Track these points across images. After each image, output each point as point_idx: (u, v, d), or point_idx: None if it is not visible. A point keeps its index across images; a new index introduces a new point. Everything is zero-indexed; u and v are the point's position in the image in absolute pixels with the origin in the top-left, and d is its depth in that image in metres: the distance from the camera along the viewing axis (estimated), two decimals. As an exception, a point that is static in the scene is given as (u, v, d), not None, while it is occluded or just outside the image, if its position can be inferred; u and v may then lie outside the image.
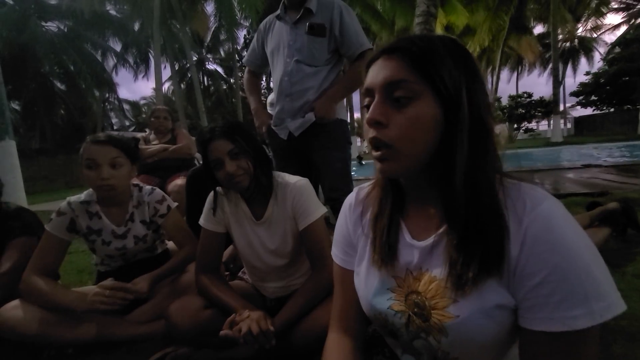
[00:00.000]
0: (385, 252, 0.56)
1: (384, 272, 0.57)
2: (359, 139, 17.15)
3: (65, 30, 15.66)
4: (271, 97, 1.82)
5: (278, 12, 1.68)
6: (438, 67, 0.47)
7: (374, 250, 0.59)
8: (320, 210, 1.08)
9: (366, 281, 0.60)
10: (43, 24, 14.96)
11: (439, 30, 10.05)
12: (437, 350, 0.52)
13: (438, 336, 0.51)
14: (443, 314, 0.49)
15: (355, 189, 0.70)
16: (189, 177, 1.83)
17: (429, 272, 0.53)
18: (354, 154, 12.47)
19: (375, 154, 0.51)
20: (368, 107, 0.52)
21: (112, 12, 16.09)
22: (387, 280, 0.57)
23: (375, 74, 0.51)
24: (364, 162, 10.84)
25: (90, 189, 1.28)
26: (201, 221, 1.15)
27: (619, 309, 0.41)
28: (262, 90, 2.30)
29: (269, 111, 1.92)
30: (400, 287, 0.56)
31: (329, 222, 1.12)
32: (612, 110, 19.38)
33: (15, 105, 15.41)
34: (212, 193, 1.15)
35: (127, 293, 1.12)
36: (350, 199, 0.69)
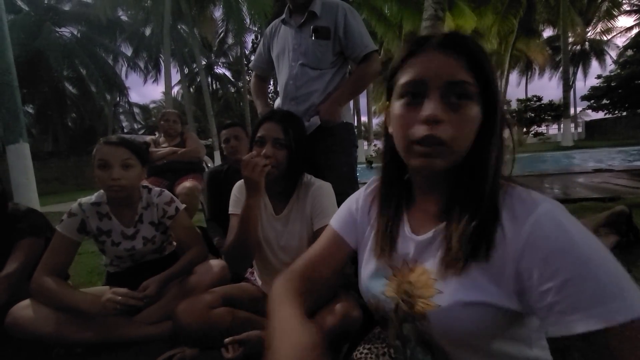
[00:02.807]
0: (386, 243, 0.60)
1: (382, 261, 0.61)
2: (365, 142, 17.11)
3: (78, 35, 16.03)
4: (278, 101, 1.83)
5: (283, 16, 1.69)
6: (489, 69, 0.49)
7: (376, 240, 0.62)
8: None
9: (365, 266, 0.65)
10: (57, 29, 15.32)
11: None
12: (424, 334, 0.55)
13: (421, 322, 0.54)
14: (427, 303, 0.52)
15: (369, 182, 0.71)
16: (208, 177, 1.93)
17: (422, 264, 0.56)
18: (361, 157, 12.44)
19: (423, 149, 0.50)
20: (409, 96, 0.51)
21: (124, 17, 16.43)
22: (385, 269, 0.61)
23: (431, 67, 0.50)
24: (374, 166, 10.78)
25: (101, 191, 1.31)
26: (231, 209, 1.18)
27: None
28: (270, 94, 2.32)
29: None
30: (395, 276, 0.59)
31: None
32: (624, 114, 19.00)
33: (29, 109, 15.77)
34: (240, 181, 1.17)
35: (138, 300, 1.13)
36: (363, 189, 0.71)
